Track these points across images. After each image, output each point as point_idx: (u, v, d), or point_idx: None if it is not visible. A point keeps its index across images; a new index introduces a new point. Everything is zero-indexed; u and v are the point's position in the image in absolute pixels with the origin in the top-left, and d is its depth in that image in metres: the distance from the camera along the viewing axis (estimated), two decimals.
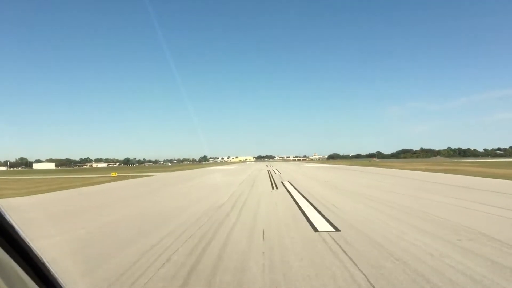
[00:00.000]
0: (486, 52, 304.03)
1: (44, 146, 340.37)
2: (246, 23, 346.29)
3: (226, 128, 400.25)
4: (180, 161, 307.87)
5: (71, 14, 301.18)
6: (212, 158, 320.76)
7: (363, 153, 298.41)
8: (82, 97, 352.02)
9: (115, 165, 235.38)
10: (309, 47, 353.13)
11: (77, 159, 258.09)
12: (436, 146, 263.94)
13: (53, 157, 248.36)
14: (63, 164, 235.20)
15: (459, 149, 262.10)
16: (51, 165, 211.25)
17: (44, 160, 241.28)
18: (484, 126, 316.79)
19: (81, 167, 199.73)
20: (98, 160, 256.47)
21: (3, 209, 1.06)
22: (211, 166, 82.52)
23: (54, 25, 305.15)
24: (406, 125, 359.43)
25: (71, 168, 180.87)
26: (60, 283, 1.26)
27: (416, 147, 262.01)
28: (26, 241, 1.12)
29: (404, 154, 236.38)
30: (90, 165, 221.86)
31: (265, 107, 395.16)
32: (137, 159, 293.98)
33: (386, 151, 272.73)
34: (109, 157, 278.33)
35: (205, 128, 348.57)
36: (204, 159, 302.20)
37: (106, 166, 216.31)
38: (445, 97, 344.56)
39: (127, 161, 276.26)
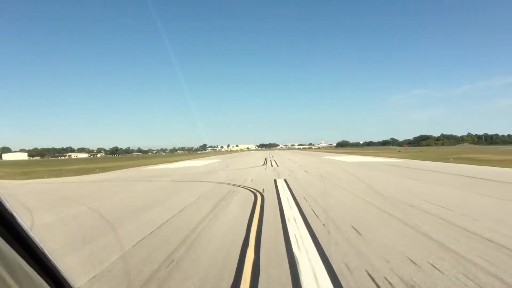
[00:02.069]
0: (490, 39, 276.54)
1: (34, 135, 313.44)
2: (249, 12, 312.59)
3: (227, 115, 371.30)
4: (175, 150, 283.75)
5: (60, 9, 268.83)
6: (211, 146, 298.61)
7: (375, 140, 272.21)
8: (77, 85, 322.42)
9: (98, 155, 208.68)
10: (314, 36, 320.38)
11: (72, 148, 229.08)
12: (447, 132, 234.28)
13: (40, 146, 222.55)
14: (42, 154, 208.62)
15: (485, 136, 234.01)
16: (24, 155, 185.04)
17: (30, 149, 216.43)
18: (489, 112, 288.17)
19: (56, 158, 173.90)
20: (81, 150, 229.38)
21: (3, 198, 1.01)
22: (195, 159, 56.33)
23: (48, 21, 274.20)
24: (413, 112, 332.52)
25: (41, 159, 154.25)
26: (60, 272, 1.23)
27: (424, 133, 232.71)
28: (26, 230, 1.08)
29: (426, 141, 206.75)
30: (69, 156, 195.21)
31: (268, 93, 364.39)
32: (131, 148, 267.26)
33: (399, 137, 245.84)
34: (104, 146, 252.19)
35: (205, 116, 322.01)
36: (203, 148, 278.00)
37: (87, 156, 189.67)
38: (449, 85, 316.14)
39: (115, 151, 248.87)
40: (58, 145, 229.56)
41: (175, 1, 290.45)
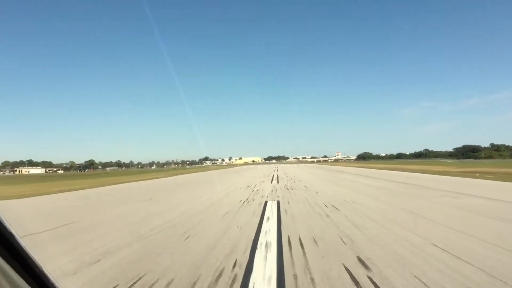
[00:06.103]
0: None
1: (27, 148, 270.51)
2: (253, 18, 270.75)
3: (230, 126, 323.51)
4: (167, 164, 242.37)
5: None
6: (210, 160, 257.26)
7: (405, 151, 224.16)
8: (72, 97, 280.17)
9: (61, 171, 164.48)
10: (325, 45, 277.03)
11: (33, 160, 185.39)
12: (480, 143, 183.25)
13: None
14: None
15: None
16: None
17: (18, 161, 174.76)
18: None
19: (3, 174, 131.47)
20: (44, 164, 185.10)
21: (1, 216, 0.99)
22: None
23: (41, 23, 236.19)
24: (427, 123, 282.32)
25: None
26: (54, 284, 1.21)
27: (464, 143, 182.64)
28: (25, 248, 1.06)
29: (482, 153, 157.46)
30: (19, 171, 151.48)
31: (276, 101, 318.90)
32: (122, 161, 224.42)
33: (435, 148, 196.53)
34: (104, 160, 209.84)
35: (207, 126, 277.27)
36: (204, 160, 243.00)
37: (42, 172, 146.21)
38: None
39: (89, 165, 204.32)
40: (15, 158, 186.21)
41: (176, 12, 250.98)
